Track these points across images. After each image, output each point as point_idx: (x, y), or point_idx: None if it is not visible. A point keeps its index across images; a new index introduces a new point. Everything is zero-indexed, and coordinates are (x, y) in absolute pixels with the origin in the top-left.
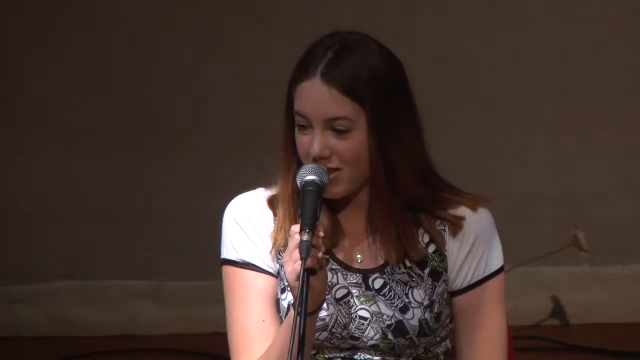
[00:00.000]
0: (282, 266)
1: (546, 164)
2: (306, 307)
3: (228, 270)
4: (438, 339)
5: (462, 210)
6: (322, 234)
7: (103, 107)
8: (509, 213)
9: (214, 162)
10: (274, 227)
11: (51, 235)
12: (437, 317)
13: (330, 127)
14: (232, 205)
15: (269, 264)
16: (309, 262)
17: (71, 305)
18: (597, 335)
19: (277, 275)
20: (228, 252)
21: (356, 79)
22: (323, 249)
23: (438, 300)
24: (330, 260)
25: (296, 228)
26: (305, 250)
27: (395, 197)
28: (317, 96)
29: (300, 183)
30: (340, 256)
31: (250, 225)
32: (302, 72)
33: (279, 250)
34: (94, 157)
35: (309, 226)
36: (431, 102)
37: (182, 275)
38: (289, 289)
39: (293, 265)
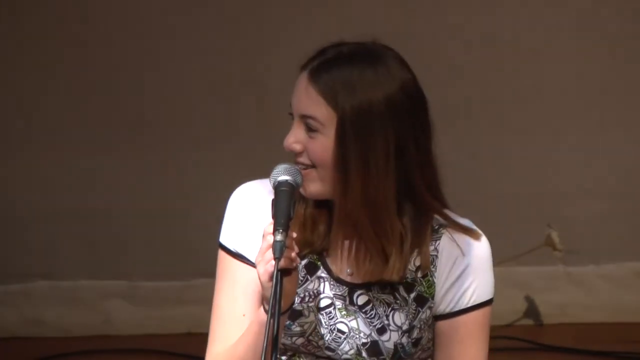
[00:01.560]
0: None
1: (520, 163)
2: (279, 307)
3: (222, 255)
4: None
5: (459, 238)
6: (294, 234)
7: (78, 107)
8: (482, 213)
9: (189, 162)
10: None
11: (25, 235)
12: (415, 342)
13: (304, 123)
14: (239, 191)
15: None
16: (282, 263)
17: (45, 306)
18: (571, 335)
19: None
20: (225, 237)
21: (338, 85)
22: (296, 249)
23: (419, 326)
24: (321, 267)
25: (268, 228)
26: (279, 250)
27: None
28: (299, 89)
29: (273, 183)
30: (330, 263)
31: (252, 215)
32: (305, 63)
33: None
34: (69, 157)
35: (282, 226)
36: None
37: (157, 276)
38: None
39: (265, 265)
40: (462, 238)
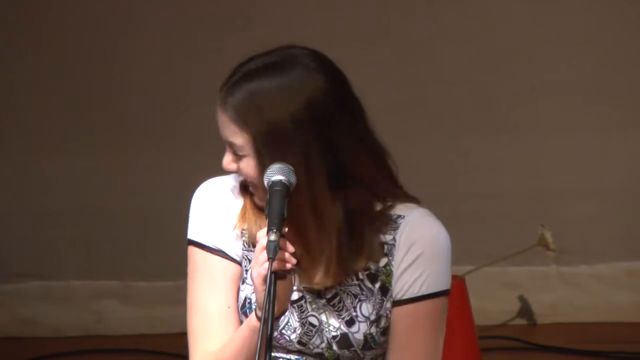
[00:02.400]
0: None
1: (512, 163)
2: (273, 309)
3: (196, 252)
4: (384, 351)
5: (415, 228)
6: (286, 229)
7: (70, 106)
8: (475, 212)
9: (181, 162)
10: (240, 211)
11: (17, 235)
12: (383, 331)
13: (230, 146)
14: (204, 188)
15: (236, 251)
16: (275, 264)
17: (37, 305)
18: (564, 335)
19: (241, 264)
20: (197, 233)
21: (245, 109)
22: (290, 249)
23: (385, 315)
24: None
25: (262, 232)
26: (272, 250)
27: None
28: (218, 119)
29: (268, 183)
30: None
31: (221, 210)
32: (220, 86)
33: (242, 239)
34: (61, 156)
35: (275, 226)
36: (394, 102)
37: (149, 276)
38: (249, 283)
39: (259, 268)
40: (417, 228)
